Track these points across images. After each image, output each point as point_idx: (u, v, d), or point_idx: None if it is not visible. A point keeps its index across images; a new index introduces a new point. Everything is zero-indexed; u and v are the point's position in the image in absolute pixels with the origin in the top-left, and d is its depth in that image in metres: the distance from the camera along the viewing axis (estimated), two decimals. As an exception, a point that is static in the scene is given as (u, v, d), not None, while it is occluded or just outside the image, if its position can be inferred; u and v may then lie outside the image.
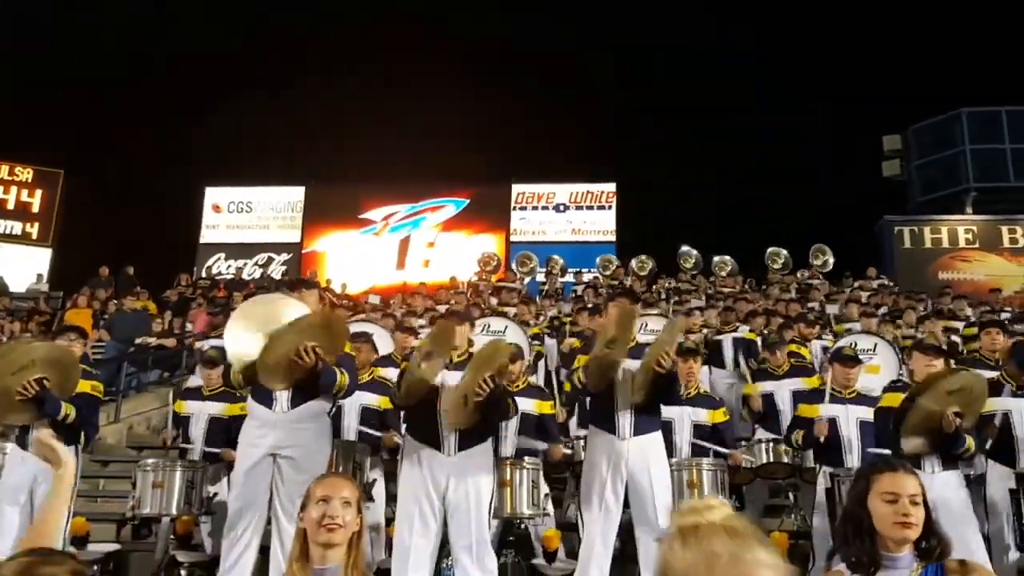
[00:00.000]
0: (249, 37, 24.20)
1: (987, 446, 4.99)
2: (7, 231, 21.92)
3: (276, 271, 21.66)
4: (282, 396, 4.55)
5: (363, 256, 22.21)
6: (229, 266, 21.43)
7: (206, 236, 22.73)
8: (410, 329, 7.59)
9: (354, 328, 6.63)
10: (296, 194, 22.97)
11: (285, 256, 22.29)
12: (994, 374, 5.14)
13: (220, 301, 14.70)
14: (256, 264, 22.00)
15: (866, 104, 21.69)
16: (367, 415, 5.72)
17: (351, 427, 5.69)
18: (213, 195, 23.09)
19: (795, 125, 22.30)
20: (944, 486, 4.43)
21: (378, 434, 5.69)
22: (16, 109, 22.09)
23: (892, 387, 5.52)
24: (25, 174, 22.32)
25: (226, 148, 23.23)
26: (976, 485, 5.04)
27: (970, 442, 4.56)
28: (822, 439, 5.11)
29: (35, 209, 22.24)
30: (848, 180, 22.21)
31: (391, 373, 6.06)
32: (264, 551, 4.55)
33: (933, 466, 4.52)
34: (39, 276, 19.95)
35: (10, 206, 22.05)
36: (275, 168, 22.81)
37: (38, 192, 22.38)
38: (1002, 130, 22.08)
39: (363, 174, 22.47)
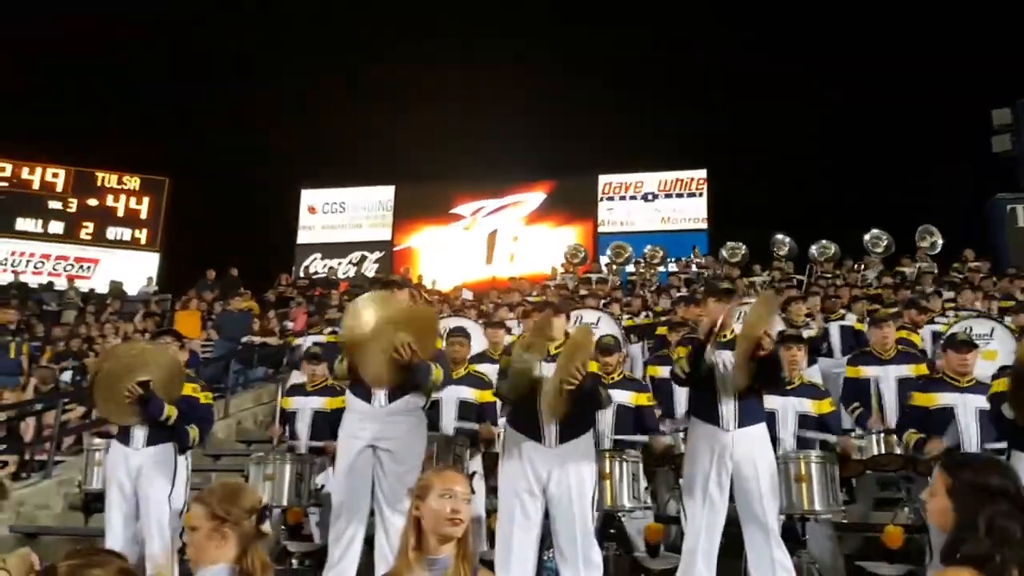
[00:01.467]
0: (337, 39, 24.74)
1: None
2: (118, 238, 23.14)
3: (369, 269, 22.15)
4: (379, 391, 4.66)
5: (453, 251, 22.46)
6: (325, 265, 22.04)
7: (302, 237, 23.46)
8: (499, 324, 7.63)
9: (450, 324, 6.73)
10: (386, 193, 23.43)
11: (378, 254, 22.78)
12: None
13: (317, 300, 15.16)
14: (350, 263, 22.56)
15: (973, 76, 20.49)
16: (464, 409, 5.78)
17: (449, 421, 5.77)
18: (308, 197, 23.78)
19: (895, 100, 21.33)
20: None
21: (475, 426, 5.75)
22: (121, 118, 23.24)
23: (1002, 372, 5.18)
24: (133, 182, 23.51)
25: (320, 150, 23.86)
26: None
27: None
28: (933, 452, 4.82)
29: (143, 216, 23.40)
30: (955, 157, 21.04)
31: (486, 368, 6.12)
32: (368, 541, 4.66)
33: None
34: (149, 280, 20.99)
35: (120, 213, 23.25)
36: (366, 168, 23.30)
37: (145, 199, 23.53)
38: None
39: (451, 169, 22.70)
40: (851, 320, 8.23)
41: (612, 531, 5.34)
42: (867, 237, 14.71)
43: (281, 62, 24.70)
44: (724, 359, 4.65)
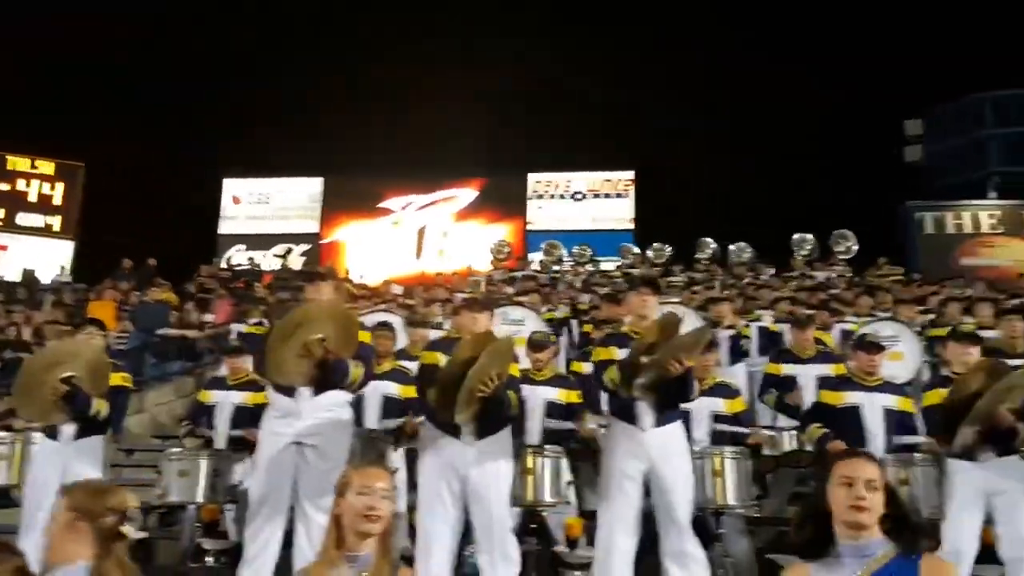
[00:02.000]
0: (264, 30, 24.24)
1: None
2: (29, 224, 22.15)
3: (296, 262, 21.78)
4: (304, 386, 4.59)
5: (382, 246, 22.29)
6: (250, 258, 21.59)
7: (226, 227, 22.92)
8: (422, 322, 7.60)
9: (376, 318, 6.66)
10: (315, 185, 23.08)
11: (304, 246, 22.41)
12: (1015, 363, 5.09)
13: (241, 292, 14.81)
14: (275, 255, 22.15)
15: (886, 88, 21.41)
16: (389, 405, 5.75)
17: (372, 416, 5.72)
18: (232, 186, 23.24)
19: (814, 110, 22.07)
20: (999, 475, 4.45)
21: (398, 421, 5.72)
22: (37, 103, 22.33)
23: (932, 384, 5.43)
24: (47, 167, 22.52)
25: (244, 140, 23.36)
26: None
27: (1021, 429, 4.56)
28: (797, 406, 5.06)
29: (57, 202, 22.44)
30: (868, 166, 21.96)
31: (411, 364, 6.08)
32: (287, 538, 4.59)
33: (988, 456, 4.53)
34: (62, 268, 20.17)
35: (32, 199, 22.27)
36: (293, 159, 22.97)
37: (60, 185, 22.58)
38: (1025, 113, 21.83)
39: (381, 164, 22.58)
40: (767, 321, 8.49)
41: (533, 526, 5.39)
42: (794, 239, 15.28)
43: (205, 49, 24.01)
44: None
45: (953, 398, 4.59)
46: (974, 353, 4.86)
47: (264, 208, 23.12)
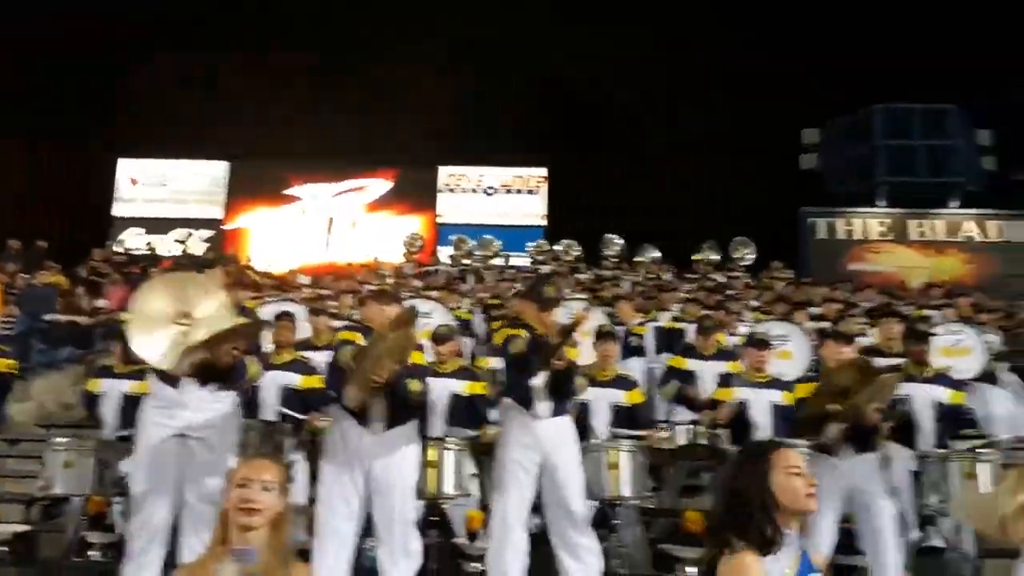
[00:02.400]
0: (170, 2, 23.29)
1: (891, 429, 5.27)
2: (-96, 200, 20.69)
3: (197, 247, 21.06)
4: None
5: (288, 234, 21.82)
6: (148, 242, 20.76)
7: (121, 210, 21.97)
8: (324, 311, 7.51)
9: (278, 308, 6.55)
10: (218, 168, 22.38)
11: (207, 232, 21.70)
12: (888, 362, 5.42)
13: (136, 277, 14.23)
14: (175, 240, 21.35)
15: (789, 97, 22.28)
16: (288, 395, 5.65)
17: (269, 406, 5.61)
18: (129, 167, 22.31)
19: (723, 116, 22.77)
20: (858, 472, 4.68)
21: (301, 416, 5.63)
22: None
23: (805, 378, 5.74)
24: (-74, 141, 21.07)
25: (143, 119, 22.39)
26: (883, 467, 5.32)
27: (884, 428, 4.83)
28: (724, 421, 5.30)
29: (-64, 178, 21.03)
30: (771, 172, 22.84)
31: (312, 355, 6.00)
32: (173, 532, 4.46)
33: (848, 453, 4.75)
34: (-60, 248, 18.90)
35: (-92, 174, 20.80)
36: (196, 142, 22.11)
37: (-60, 161, 21.17)
38: (914, 127, 23.11)
39: (289, 151, 22.05)
40: (664, 320, 8.74)
41: (435, 519, 5.41)
42: (703, 245, 15.79)
43: (103, 20, 22.86)
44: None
45: (820, 391, 4.82)
46: (847, 352, 5.15)
47: (164, 191, 22.26)
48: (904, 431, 5.22)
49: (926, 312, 9.80)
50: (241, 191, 22.22)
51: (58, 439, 5.50)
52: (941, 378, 5.51)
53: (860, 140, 23.21)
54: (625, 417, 5.70)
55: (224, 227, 21.90)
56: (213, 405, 4.47)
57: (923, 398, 5.33)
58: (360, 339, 4.57)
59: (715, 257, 15.49)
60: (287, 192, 22.37)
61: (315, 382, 5.65)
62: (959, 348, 7.50)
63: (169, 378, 4.44)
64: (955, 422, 5.33)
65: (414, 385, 4.51)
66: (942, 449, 5.12)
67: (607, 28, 22.94)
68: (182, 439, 4.39)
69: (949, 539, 5.16)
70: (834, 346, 5.23)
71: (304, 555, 4.55)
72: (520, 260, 17.11)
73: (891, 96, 22.99)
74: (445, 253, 17.43)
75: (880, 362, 5.23)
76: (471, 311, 9.74)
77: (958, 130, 23.04)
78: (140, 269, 15.28)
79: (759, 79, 21.71)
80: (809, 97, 22.32)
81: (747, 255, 15.62)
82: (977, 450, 5.05)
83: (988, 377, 7.50)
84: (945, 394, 5.40)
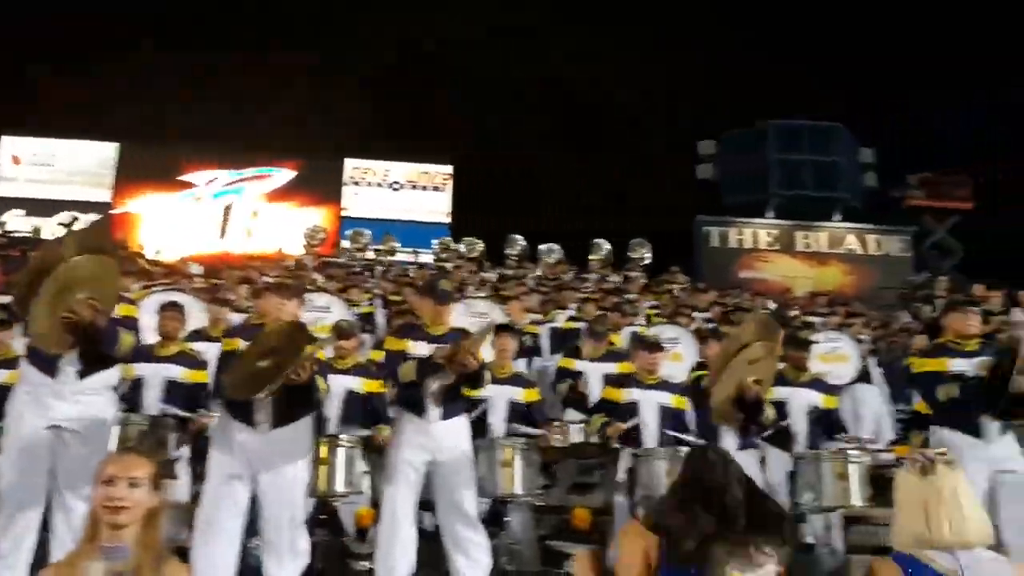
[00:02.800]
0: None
1: (766, 432, 5.52)
2: None
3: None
4: (68, 365, 4.24)
5: (181, 221, 21.02)
6: (32, 225, 19.66)
7: (2, 189, 20.72)
8: (224, 301, 7.29)
9: (165, 297, 6.32)
10: (107, 150, 21.35)
11: (93, 216, 20.65)
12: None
13: (16, 260, 13.40)
14: (60, 223, 20.23)
15: (689, 108, 23.07)
16: (173, 389, 5.44)
17: (152, 401, 5.40)
18: (12, 145, 21.08)
19: (633, 125, 23.37)
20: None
21: (185, 414, 5.42)
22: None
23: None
24: None
25: (28, 95, 21.20)
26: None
27: (770, 411, 5.05)
28: (613, 437, 5.45)
29: None
30: (671, 180, 23.55)
31: (203, 347, 5.81)
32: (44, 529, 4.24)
33: (735, 443, 4.95)
34: None
35: None
36: (84, 122, 21.07)
37: None
38: (804, 143, 24.29)
39: (183, 135, 21.26)
40: (560, 321, 8.89)
41: (324, 516, 5.33)
42: (592, 243, 16.09)
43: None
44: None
45: (725, 348, 5.02)
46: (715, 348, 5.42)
47: (48, 171, 21.12)
48: (779, 434, 5.47)
49: (810, 319, 10.34)
50: (131, 175, 21.29)
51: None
52: (817, 383, 5.81)
53: (754, 153, 24.23)
54: (521, 415, 5.74)
55: (112, 211, 20.90)
56: (90, 396, 4.26)
57: (799, 403, 5.60)
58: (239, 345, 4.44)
59: (604, 255, 15.77)
60: (182, 178, 21.53)
61: (201, 376, 5.46)
62: (836, 355, 7.95)
63: (45, 366, 4.20)
64: (828, 426, 5.62)
65: (320, 383, 4.40)
66: (815, 450, 5.38)
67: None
68: (56, 431, 4.17)
69: (819, 536, 5.43)
70: (716, 346, 5.47)
71: (185, 552, 4.41)
72: (425, 257, 17.05)
73: (783, 112, 24.12)
74: (345, 247, 17.17)
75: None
76: (372, 305, 9.63)
77: (843, 147, 24.34)
78: (20, 252, 14.40)
79: (664, 87, 22.36)
80: (708, 109, 23.18)
81: (644, 255, 16.06)
82: (847, 451, 5.33)
83: (863, 376, 7.98)
84: (819, 399, 5.69)
